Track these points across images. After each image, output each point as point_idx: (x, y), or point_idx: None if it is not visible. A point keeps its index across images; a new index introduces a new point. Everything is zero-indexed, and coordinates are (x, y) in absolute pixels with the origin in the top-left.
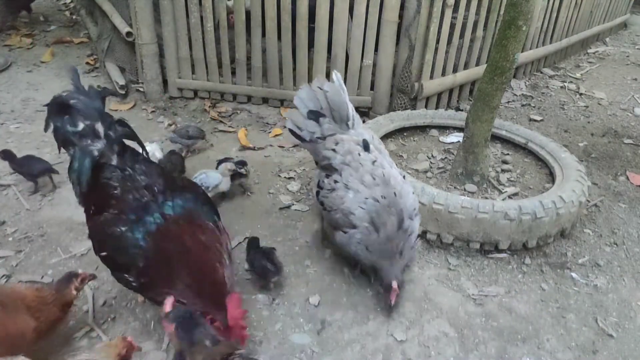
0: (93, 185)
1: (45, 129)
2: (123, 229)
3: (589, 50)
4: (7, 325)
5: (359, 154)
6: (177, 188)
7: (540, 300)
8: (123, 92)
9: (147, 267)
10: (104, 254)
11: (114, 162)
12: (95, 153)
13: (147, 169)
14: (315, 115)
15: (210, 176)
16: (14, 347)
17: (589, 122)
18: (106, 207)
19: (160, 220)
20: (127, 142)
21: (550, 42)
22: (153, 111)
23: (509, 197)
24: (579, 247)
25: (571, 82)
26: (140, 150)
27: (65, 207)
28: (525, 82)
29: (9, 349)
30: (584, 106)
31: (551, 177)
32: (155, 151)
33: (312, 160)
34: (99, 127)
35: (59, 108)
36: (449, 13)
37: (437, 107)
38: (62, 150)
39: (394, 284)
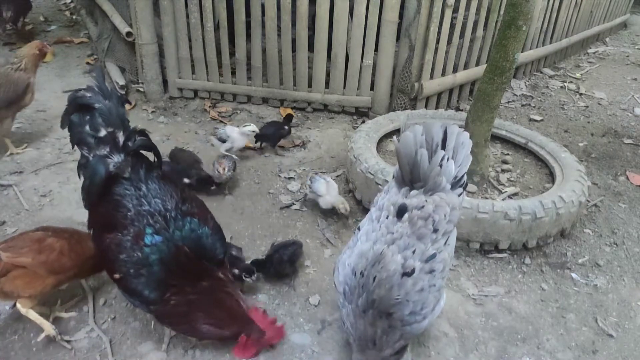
0: (103, 195)
1: (62, 126)
2: (139, 254)
3: (589, 50)
4: (80, 249)
5: (387, 217)
6: (189, 214)
7: (540, 300)
8: (123, 92)
9: (161, 301)
10: (117, 276)
11: (127, 174)
12: (111, 167)
13: (161, 190)
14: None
15: (322, 189)
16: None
17: (589, 122)
18: (118, 227)
19: (172, 249)
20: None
21: (550, 42)
22: (153, 111)
23: (509, 197)
24: (579, 247)
25: (571, 82)
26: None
27: (66, 206)
28: (525, 82)
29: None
30: (584, 106)
31: (551, 177)
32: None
33: (312, 160)
34: (120, 136)
35: (79, 107)
36: (449, 13)
37: (437, 107)
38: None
39: None
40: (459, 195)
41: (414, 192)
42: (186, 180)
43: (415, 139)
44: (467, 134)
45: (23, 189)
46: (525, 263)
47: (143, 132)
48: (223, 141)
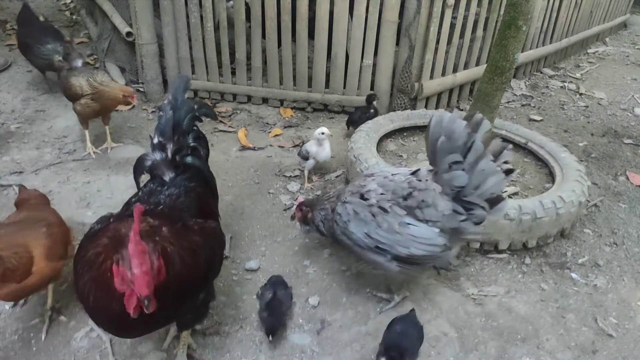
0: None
1: None
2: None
3: (589, 50)
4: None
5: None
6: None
7: (540, 300)
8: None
9: None
10: None
11: (166, 178)
12: (148, 163)
13: (177, 194)
14: None
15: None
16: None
17: (589, 122)
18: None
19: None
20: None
21: (550, 42)
22: (153, 111)
23: (509, 196)
24: (579, 247)
25: (571, 82)
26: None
27: (66, 206)
28: (525, 82)
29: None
30: (584, 106)
31: (551, 177)
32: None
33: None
34: (169, 148)
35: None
36: (449, 13)
37: (437, 107)
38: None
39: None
40: (454, 210)
41: (430, 168)
42: None
43: (444, 125)
44: (492, 165)
45: None
46: (525, 263)
47: (195, 149)
48: (306, 159)
